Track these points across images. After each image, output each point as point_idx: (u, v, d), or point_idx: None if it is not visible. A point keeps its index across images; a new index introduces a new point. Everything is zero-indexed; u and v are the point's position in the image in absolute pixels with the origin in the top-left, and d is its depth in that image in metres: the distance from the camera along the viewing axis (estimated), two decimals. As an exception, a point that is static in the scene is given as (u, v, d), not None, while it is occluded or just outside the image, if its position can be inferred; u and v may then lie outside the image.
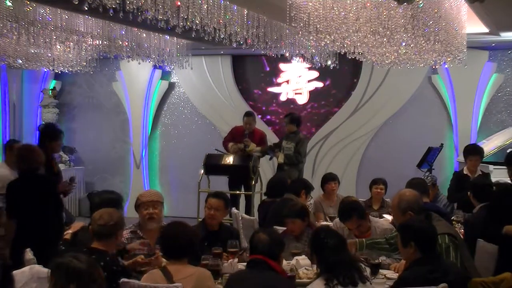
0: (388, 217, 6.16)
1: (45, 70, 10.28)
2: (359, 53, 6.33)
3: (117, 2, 5.00)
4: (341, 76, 10.27)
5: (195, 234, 3.81)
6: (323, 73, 10.18)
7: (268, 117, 10.84)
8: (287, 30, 7.02)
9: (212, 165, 8.61)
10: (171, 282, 3.48)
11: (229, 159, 8.60)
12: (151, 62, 9.14)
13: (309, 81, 10.64)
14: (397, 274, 4.04)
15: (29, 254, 4.47)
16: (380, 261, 4.24)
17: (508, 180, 6.11)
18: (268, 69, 10.83)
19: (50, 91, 11.25)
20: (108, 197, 4.34)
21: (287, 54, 7.60)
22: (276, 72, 10.77)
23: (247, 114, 8.93)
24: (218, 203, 4.85)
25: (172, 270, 3.56)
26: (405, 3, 4.93)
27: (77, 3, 5.05)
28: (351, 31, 5.32)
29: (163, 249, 3.78)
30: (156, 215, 4.58)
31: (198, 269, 3.71)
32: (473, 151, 7.04)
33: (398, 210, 4.08)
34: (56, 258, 2.57)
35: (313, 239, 3.61)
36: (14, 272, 3.85)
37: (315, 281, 3.42)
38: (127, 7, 5.10)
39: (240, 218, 6.31)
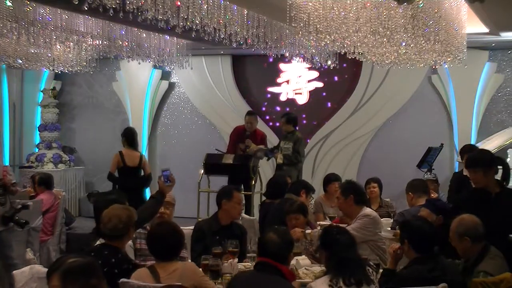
0: (389, 219, 6.16)
1: (45, 70, 10.27)
2: (359, 53, 6.33)
3: (117, 2, 5.00)
4: (341, 76, 10.26)
5: (182, 235, 3.79)
6: (323, 73, 10.17)
7: (268, 117, 10.84)
8: (287, 30, 7.02)
9: (212, 165, 8.61)
10: (158, 280, 3.51)
11: (229, 159, 8.59)
12: (151, 62, 9.15)
13: (309, 81, 10.64)
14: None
15: (29, 254, 4.48)
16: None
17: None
18: (268, 69, 10.82)
19: (50, 91, 11.25)
20: (111, 199, 4.31)
21: (287, 54, 7.60)
22: (276, 72, 10.77)
23: (249, 113, 8.93)
24: (241, 197, 4.99)
25: (159, 268, 3.59)
26: (405, 3, 4.93)
27: (77, 3, 5.05)
28: (351, 31, 5.32)
29: (151, 250, 3.76)
30: (167, 215, 4.61)
31: (182, 263, 3.72)
32: (469, 151, 7.00)
33: (456, 234, 3.96)
34: (57, 266, 2.53)
35: (325, 235, 3.60)
36: (14, 272, 3.86)
37: (320, 278, 3.42)
38: (127, 7, 5.10)
39: (240, 218, 6.31)
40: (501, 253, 4.02)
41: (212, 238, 4.63)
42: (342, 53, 6.44)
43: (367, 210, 5.08)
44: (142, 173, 7.88)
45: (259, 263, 3.40)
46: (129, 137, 7.93)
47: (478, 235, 3.94)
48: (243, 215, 6.62)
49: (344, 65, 9.38)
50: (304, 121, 10.55)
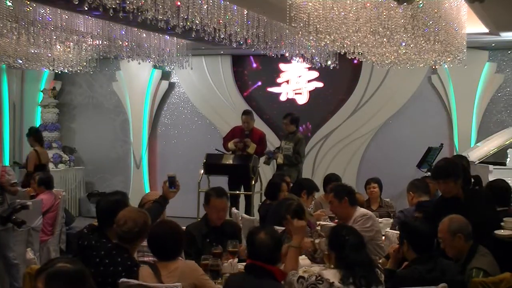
0: (389, 219, 6.16)
1: (45, 70, 10.28)
2: (359, 53, 6.33)
3: (117, 2, 5.00)
4: (341, 76, 10.26)
5: (182, 235, 3.79)
6: (323, 73, 10.17)
7: (268, 117, 10.83)
8: (287, 30, 7.02)
9: (212, 165, 8.61)
10: (159, 278, 3.52)
11: (229, 159, 8.60)
12: (151, 62, 9.15)
13: (309, 81, 10.64)
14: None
15: (29, 254, 4.47)
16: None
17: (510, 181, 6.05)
18: (268, 69, 10.83)
19: (50, 91, 11.25)
20: (114, 200, 4.28)
21: (287, 54, 7.60)
22: (276, 72, 10.77)
23: (245, 113, 8.93)
24: (223, 203, 4.76)
25: (160, 266, 3.60)
26: (405, 3, 4.93)
27: (77, 3, 5.05)
28: (351, 31, 5.32)
29: (152, 250, 3.76)
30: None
31: (183, 262, 3.72)
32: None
33: (448, 233, 3.96)
34: (45, 268, 2.49)
35: (333, 236, 3.59)
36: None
37: (331, 270, 3.42)
38: (127, 7, 5.10)
39: (240, 218, 6.31)
40: (489, 251, 4.05)
41: (203, 241, 4.57)
42: (342, 53, 6.43)
43: (362, 210, 5.10)
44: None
45: (249, 265, 3.40)
46: (38, 135, 8.57)
47: (469, 232, 3.98)
48: (243, 215, 6.62)
49: (344, 65, 9.38)
50: (304, 121, 10.55)
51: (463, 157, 6.80)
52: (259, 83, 10.92)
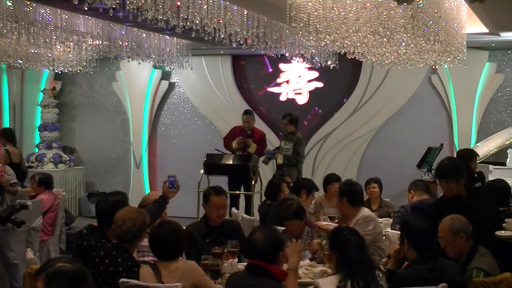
0: (389, 219, 6.16)
1: (45, 70, 10.28)
2: (359, 53, 6.34)
3: (117, 2, 5.01)
4: (341, 76, 10.26)
5: (183, 235, 3.79)
6: (323, 73, 10.17)
7: (268, 117, 10.83)
8: (287, 30, 7.03)
9: (212, 165, 8.61)
10: (159, 279, 3.53)
11: (229, 159, 8.60)
12: (151, 62, 9.15)
13: (309, 81, 10.64)
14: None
15: (29, 254, 4.47)
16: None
17: (510, 181, 6.05)
18: (268, 69, 10.83)
19: (50, 91, 11.25)
20: (114, 200, 4.27)
21: (287, 54, 7.61)
22: (276, 72, 10.78)
23: (246, 112, 8.93)
24: (223, 201, 4.76)
25: (161, 266, 3.61)
26: (405, 3, 4.94)
27: (77, 3, 5.06)
28: (351, 31, 5.33)
29: (152, 250, 3.77)
30: (161, 217, 4.58)
31: (183, 262, 3.73)
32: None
33: (450, 233, 3.95)
34: (45, 268, 2.49)
35: (335, 236, 3.58)
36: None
37: (328, 277, 3.43)
38: (127, 7, 5.11)
39: (240, 218, 6.31)
40: (488, 251, 4.05)
41: (203, 241, 4.58)
42: (342, 53, 6.44)
43: (365, 212, 5.01)
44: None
45: (249, 265, 3.41)
46: (10, 135, 8.39)
47: (470, 232, 3.97)
48: (243, 215, 6.62)
49: (344, 65, 9.38)
50: (304, 121, 10.55)
51: (474, 152, 6.61)
52: (274, 82, 10.89)
